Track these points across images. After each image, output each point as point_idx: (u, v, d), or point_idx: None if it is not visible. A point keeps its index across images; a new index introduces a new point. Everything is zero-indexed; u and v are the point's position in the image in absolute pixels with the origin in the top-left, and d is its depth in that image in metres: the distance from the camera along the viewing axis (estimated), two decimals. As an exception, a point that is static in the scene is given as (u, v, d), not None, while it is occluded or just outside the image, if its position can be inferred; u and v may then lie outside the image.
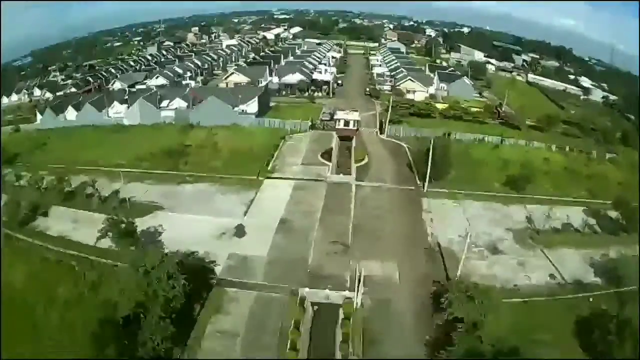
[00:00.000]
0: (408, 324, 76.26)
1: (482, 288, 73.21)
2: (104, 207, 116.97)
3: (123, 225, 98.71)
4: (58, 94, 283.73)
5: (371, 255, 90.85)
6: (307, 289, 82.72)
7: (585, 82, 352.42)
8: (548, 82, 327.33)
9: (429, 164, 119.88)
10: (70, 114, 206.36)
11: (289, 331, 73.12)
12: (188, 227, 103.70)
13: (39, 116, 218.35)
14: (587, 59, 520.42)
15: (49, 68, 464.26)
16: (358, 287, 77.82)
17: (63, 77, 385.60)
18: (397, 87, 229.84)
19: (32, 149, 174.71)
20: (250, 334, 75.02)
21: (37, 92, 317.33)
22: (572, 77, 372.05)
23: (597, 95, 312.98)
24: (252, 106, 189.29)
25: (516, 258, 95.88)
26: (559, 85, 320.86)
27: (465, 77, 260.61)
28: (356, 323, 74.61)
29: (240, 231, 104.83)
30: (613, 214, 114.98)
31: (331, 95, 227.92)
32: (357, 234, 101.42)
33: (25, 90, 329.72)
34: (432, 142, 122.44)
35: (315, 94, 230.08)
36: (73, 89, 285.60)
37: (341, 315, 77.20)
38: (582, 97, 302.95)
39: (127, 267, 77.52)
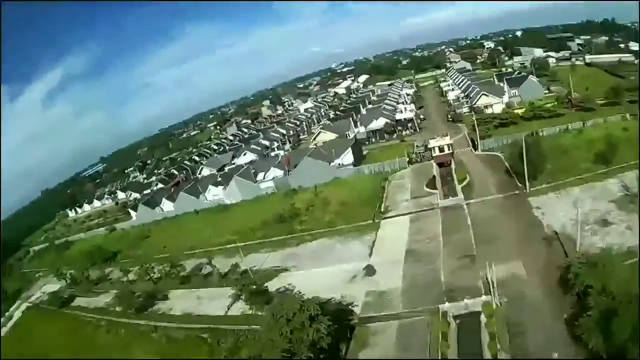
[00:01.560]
0: (545, 309, 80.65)
1: (602, 254, 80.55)
2: (226, 281, 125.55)
3: (254, 287, 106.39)
4: (145, 192, 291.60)
5: (497, 260, 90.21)
6: (446, 304, 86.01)
7: (634, 46, 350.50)
8: (604, 58, 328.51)
9: (525, 164, 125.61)
10: (167, 205, 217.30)
11: (438, 344, 76.73)
12: (318, 280, 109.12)
13: (132, 214, 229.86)
14: (629, 24, 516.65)
15: (126, 171, 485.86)
16: (493, 289, 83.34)
17: (145, 175, 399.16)
18: (475, 106, 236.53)
19: (135, 243, 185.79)
20: (400, 355, 79.73)
21: (120, 195, 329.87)
22: (622, 45, 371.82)
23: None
24: (347, 158, 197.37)
25: (624, 224, 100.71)
26: (614, 57, 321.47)
27: (531, 76, 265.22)
28: (499, 321, 78.33)
29: (370, 270, 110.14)
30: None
31: (418, 130, 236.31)
32: (479, 245, 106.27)
33: (107, 196, 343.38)
34: (523, 142, 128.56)
35: (403, 132, 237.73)
36: (160, 185, 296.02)
37: (484, 319, 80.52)
38: (636, 62, 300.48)
39: (268, 319, 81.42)
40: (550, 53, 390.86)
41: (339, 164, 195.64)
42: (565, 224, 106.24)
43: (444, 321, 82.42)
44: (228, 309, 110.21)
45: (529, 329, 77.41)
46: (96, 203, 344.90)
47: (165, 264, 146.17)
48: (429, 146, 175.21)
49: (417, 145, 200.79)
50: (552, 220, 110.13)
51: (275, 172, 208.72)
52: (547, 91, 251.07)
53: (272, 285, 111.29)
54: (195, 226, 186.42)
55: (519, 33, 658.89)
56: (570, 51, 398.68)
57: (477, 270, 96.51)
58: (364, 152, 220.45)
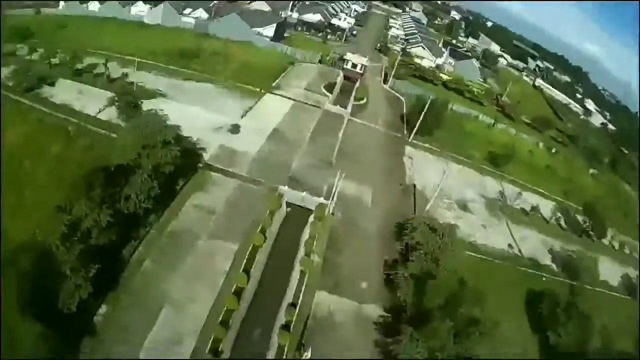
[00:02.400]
0: (371, 241, 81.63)
1: (446, 225, 77.78)
2: (110, 86, 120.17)
3: (130, 98, 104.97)
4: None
5: (350, 176, 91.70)
6: (286, 188, 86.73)
7: (590, 104, 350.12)
8: (553, 92, 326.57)
9: (421, 116, 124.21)
10: (94, 5, 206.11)
11: (262, 218, 77.23)
12: (187, 116, 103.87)
13: (61, 2, 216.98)
14: (599, 87, 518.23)
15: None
16: (333, 196, 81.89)
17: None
18: (408, 50, 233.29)
19: (51, 29, 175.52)
20: (225, 213, 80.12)
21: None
22: (579, 96, 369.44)
23: (597, 119, 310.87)
24: (269, 30, 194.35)
25: (482, 220, 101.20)
26: (564, 99, 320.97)
27: (474, 59, 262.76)
28: (324, 226, 78.24)
29: (235, 129, 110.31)
30: (581, 218, 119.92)
31: (343, 42, 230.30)
32: (340, 157, 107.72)
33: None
34: (429, 100, 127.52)
35: (329, 37, 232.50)
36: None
37: (312, 218, 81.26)
38: (581, 117, 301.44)
39: (128, 127, 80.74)
40: (505, 55, 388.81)
41: (259, 33, 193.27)
42: (427, 184, 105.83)
43: (277, 201, 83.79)
44: (100, 110, 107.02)
45: (346, 250, 78.95)
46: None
47: (67, 54, 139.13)
48: (345, 57, 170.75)
49: (334, 52, 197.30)
50: (416, 174, 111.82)
51: (202, 13, 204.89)
52: (483, 81, 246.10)
53: (147, 105, 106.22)
54: (109, 32, 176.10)
55: (489, 23, 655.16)
56: (525, 65, 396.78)
57: (327, 175, 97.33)
58: (286, 35, 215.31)
